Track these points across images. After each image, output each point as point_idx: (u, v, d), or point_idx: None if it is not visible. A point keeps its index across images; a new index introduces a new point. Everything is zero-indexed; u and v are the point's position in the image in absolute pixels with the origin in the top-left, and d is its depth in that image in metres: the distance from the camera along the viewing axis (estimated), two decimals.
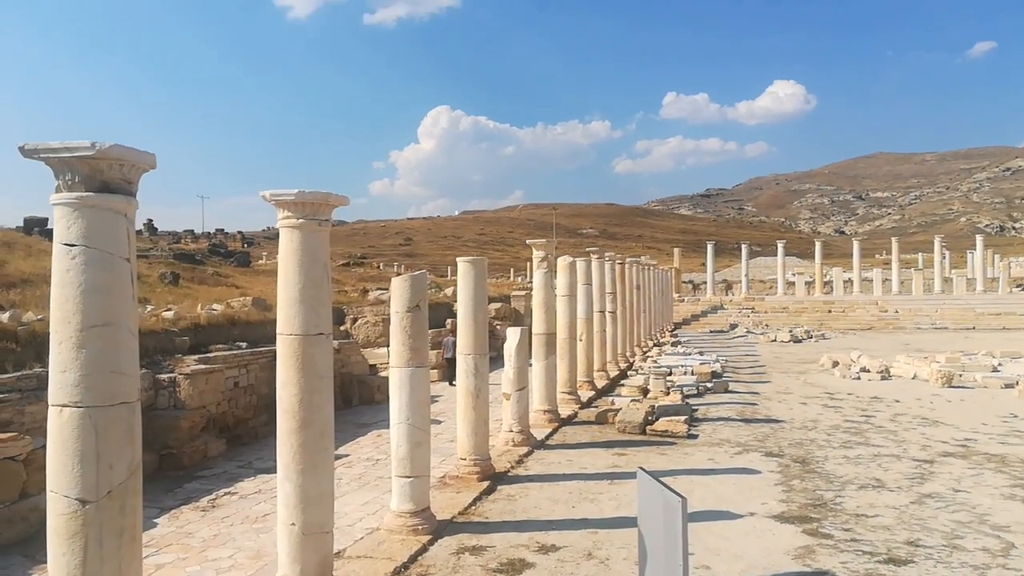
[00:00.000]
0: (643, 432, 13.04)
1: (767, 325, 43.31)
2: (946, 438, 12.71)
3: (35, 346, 10.15)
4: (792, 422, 14.27)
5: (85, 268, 4.24)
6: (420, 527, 7.73)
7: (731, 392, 18.30)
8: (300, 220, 6.07)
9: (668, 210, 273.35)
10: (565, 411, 14.85)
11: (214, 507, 8.90)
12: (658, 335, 35.76)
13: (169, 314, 14.37)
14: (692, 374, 19.97)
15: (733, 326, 43.59)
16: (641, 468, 5.14)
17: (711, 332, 41.58)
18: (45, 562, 4.25)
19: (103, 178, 4.31)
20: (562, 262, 16.48)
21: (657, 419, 13.38)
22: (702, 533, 7.76)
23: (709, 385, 18.60)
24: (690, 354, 26.02)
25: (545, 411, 13.99)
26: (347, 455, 11.57)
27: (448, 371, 19.35)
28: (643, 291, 29.90)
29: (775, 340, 35.42)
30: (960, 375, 19.64)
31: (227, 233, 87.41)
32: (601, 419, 14.17)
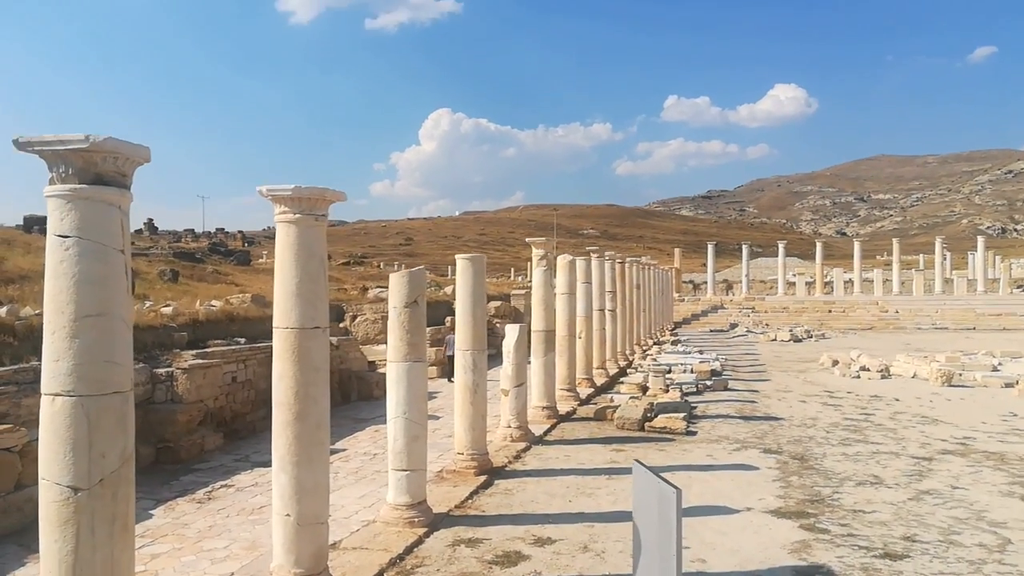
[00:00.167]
0: (642, 429, 13.03)
1: (767, 325, 43.29)
2: (945, 436, 12.70)
3: (32, 340, 10.17)
4: (791, 420, 14.26)
5: (79, 259, 4.24)
6: (416, 520, 7.73)
7: (730, 390, 18.28)
8: (297, 215, 6.07)
9: (669, 211, 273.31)
10: (564, 407, 14.84)
11: (210, 499, 8.91)
12: (658, 334, 35.76)
13: (168, 310, 14.38)
14: (691, 372, 19.96)
15: (733, 325, 43.56)
16: (637, 461, 5.14)
17: (711, 331, 41.56)
18: (39, 551, 4.25)
19: (97, 171, 4.31)
20: (562, 260, 16.49)
21: (656, 416, 13.37)
22: (699, 528, 7.76)
23: (708, 383, 18.59)
24: (690, 353, 26.00)
25: (544, 407, 13.98)
26: (344, 449, 11.57)
27: (448, 368, 19.38)
28: (643, 290, 29.90)
29: (775, 339, 35.40)
30: (960, 374, 19.62)
31: (228, 232, 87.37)
32: (600, 416, 14.17)
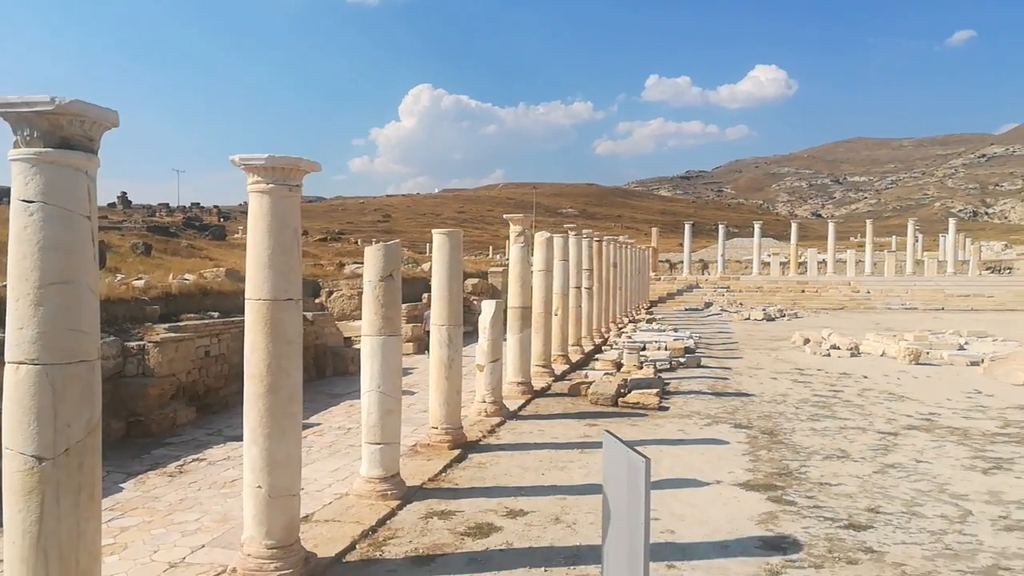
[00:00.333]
0: (615, 404, 13.16)
1: (741, 304, 43.73)
2: (911, 412, 12.96)
3: None
4: (762, 396, 14.47)
5: (44, 225, 4.16)
6: (389, 492, 7.76)
7: (703, 367, 18.49)
8: (270, 185, 6.00)
9: (648, 191, 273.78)
10: (539, 383, 14.93)
11: (182, 473, 8.87)
12: (634, 312, 35.98)
13: (140, 283, 14.19)
14: (665, 349, 20.14)
15: (708, 304, 43.94)
16: (607, 431, 5.18)
17: (686, 310, 41.90)
18: (2, 522, 4.21)
19: (63, 134, 4.23)
20: (539, 238, 16.50)
21: (629, 392, 13.50)
22: (669, 500, 7.87)
23: (682, 360, 18.78)
24: (664, 331, 26.22)
25: (519, 383, 14.05)
26: (319, 424, 11.56)
27: (425, 343, 19.34)
28: (620, 269, 30.03)
29: (748, 318, 35.77)
30: (927, 353, 20.00)
31: (203, 207, 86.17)
32: (574, 391, 14.27)
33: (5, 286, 10.56)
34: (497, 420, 11.80)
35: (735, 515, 7.53)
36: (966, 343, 22.70)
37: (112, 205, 66.76)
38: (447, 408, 10.18)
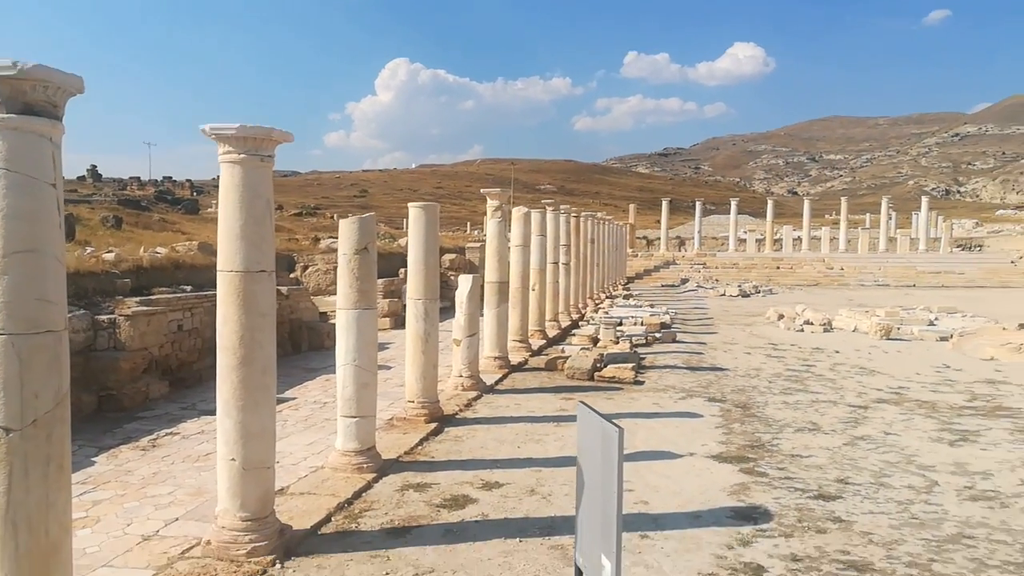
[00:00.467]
0: (591, 379, 13.24)
1: (717, 280, 44.08)
2: (881, 386, 13.19)
3: None
4: (736, 370, 14.64)
5: (7, 192, 4.05)
6: (365, 465, 7.76)
7: (679, 342, 18.65)
8: (242, 155, 5.90)
9: (626, 168, 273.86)
10: (516, 358, 14.97)
11: (155, 447, 8.79)
12: (611, 288, 36.14)
13: (110, 256, 13.96)
14: (642, 325, 20.27)
15: (684, 281, 44.26)
16: (582, 402, 5.21)
17: (663, 286, 42.17)
18: None
19: (26, 100, 4.10)
20: (517, 212, 16.45)
21: (605, 366, 13.58)
22: (643, 472, 7.96)
23: (658, 335, 18.92)
24: (641, 306, 26.36)
25: (496, 358, 14.08)
26: (294, 398, 11.51)
27: (403, 318, 19.30)
28: (597, 245, 30.09)
29: (724, 294, 36.10)
30: (898, 328, 20.34)
31: (175, 181, 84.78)
32: (551, 366, 14.33)
33: None
34: (474, 394, 11.82)
35: (708, 486, 7.63)
36: (936, 319, 23.10)
37: (82, 178, 65.44)
38: (424, 382, 10.17)
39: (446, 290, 20.22)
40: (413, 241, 10.56)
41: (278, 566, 5.65)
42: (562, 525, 6.34)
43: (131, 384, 10.65)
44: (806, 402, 11.77)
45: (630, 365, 13.65)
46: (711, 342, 18.85)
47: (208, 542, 5.79)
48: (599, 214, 32.03)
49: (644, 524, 6.54)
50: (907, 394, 12.53)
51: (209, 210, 45.14)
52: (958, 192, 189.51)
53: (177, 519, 6.54)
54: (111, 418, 10.01)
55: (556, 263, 20.28)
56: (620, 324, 20.08)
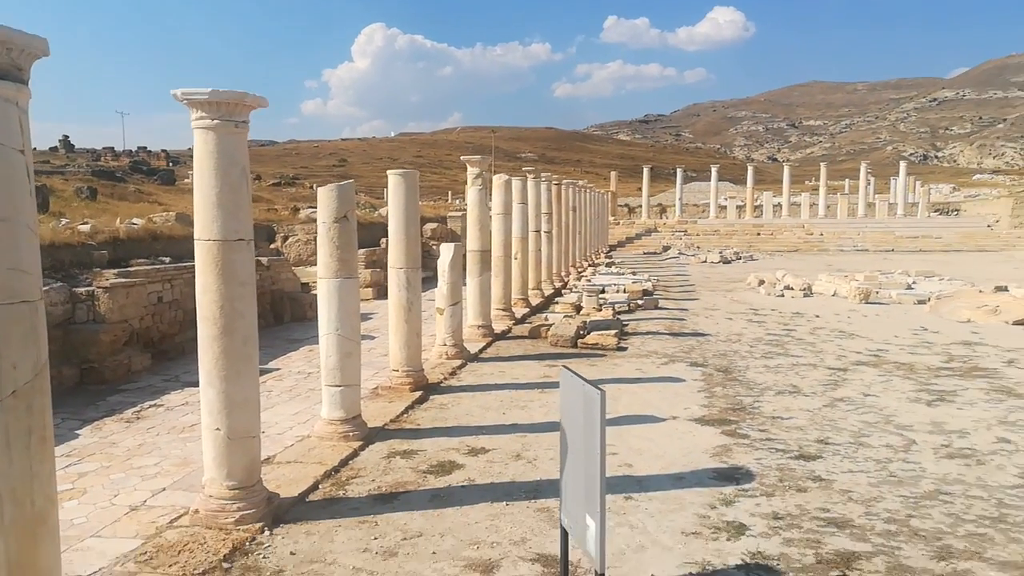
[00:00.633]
0: (575, 346, 13.31)
1: (698, 247, 44.29)
2: (860, 349, 13.37)
3: None
4: (717, 335, 14.77)
5: None
6: (351, 434, 7.77)
7: (661, 308, 18.77)
8: (215, 121, 5.78)
9: (607, 135, 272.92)
10: (499, 327, 14.99)
11: (139, 419, 8.75)
12: (593, 256, 36.20)
13: (86, 227, 13.73)
14: (624, 292, 20.35)
15: (666, 248, 44.42)
16: (565, 367, 5.23)
17: (645, 254, 42.31)
18: None
19: None
20: (497, 180, 16.33)
21: (588, 333, 13.65)
22: (627, 436, 8.04)
23: (640, 302, 19.01)
24: (623, 274, 26.46)
25: (479, 326, 14.09)
26: (278, 369, 11.47)
27: (386, 287, 19.24)
28: (579, 213, 30.06)
29: (705, 261, 36.30)
30: (877, 292, 20.59)
31: (150, 151, 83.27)
32: (534, 334, 14.38)
33: None
34: (458, 363, 11.85)
35: (690, 449, 7.73)
36: (914, 282, 23.40)
37: (54, 149, 64.02)
38: (407, 351, 10.17)
39: (428, 259, 20.16)
40: (393, 210, 10.47)
41: (266, 533, 5.68)
42: (548, 488, 6.41)
43: (112, 357, 10.56)
44: (787, 365, 11.91)
45: (613, 332, 13.72)
46: (693, 308, 18.98)
47: (196, 511, 5.80)
48: (580, 182, 31.92)
49: (628, 486, 6.62)
50: (885, 356, 12.71)
51: (186, 180, 44.43)
52: (936, 157, 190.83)
53: (164, 489, 6.54)
54: (93, 391, 9.94)
55: (538, 231, 20.25)
56: (603, 292, 20.13)
